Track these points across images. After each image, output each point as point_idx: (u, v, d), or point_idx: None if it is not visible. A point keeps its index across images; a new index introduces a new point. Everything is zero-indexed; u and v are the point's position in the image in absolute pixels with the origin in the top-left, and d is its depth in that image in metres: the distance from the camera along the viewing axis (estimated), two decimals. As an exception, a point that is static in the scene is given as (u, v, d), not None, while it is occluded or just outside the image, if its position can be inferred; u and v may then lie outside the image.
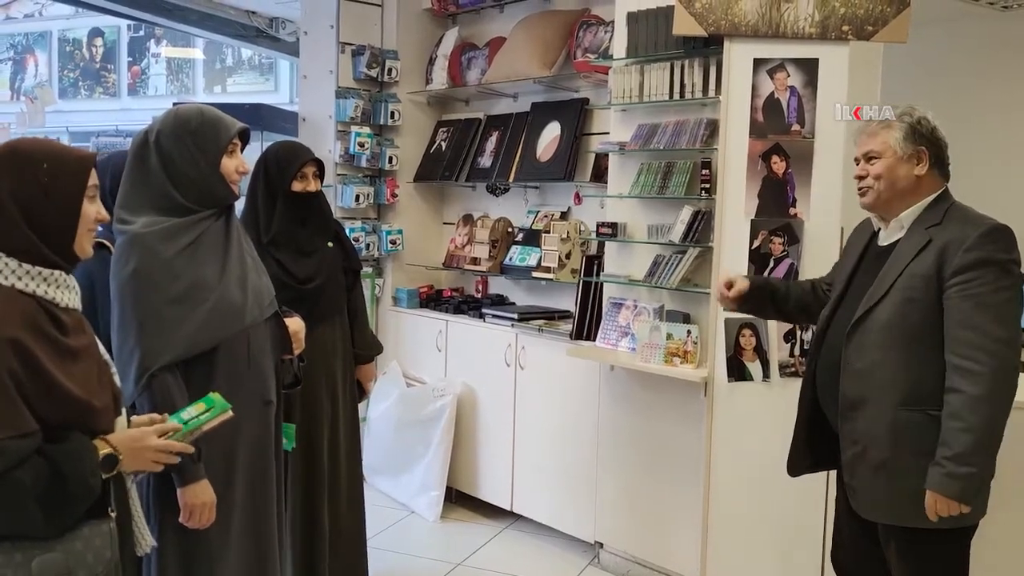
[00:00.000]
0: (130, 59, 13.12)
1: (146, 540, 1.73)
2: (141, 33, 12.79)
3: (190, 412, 1.74)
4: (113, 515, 1.61)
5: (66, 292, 1.59)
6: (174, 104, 2.43)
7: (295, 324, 2.41)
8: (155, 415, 1.74)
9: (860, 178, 2.27)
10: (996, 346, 2.05)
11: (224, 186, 2.17)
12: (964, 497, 2.04)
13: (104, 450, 1.56)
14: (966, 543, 2.19)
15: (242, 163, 2.22)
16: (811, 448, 2.40)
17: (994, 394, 2.04)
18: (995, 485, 2.17)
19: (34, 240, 1.54)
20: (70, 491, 1.49)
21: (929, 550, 2.17)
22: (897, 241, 2.23)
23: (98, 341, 1.68)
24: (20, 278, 1.52)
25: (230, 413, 1.79)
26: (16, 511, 1.45)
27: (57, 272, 1.58)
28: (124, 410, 1.70)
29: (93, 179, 1.62)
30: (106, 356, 1.68)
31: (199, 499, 2.03)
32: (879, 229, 2.32)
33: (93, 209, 1.62)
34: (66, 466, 1.49)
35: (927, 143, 2.21)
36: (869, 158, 2.24)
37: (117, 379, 1.70)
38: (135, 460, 1.62)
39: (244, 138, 2.25)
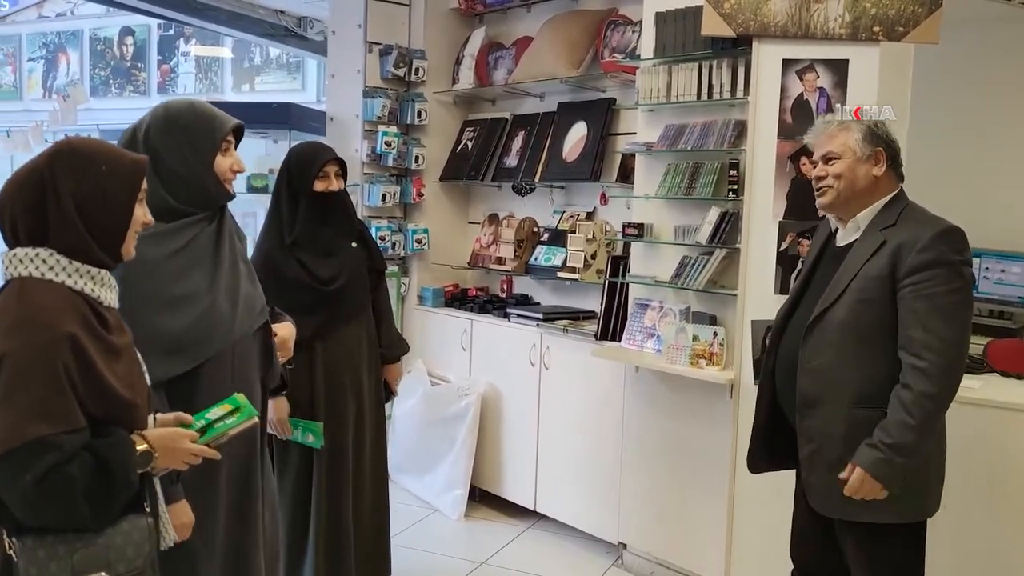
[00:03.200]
0: (160, 58, 13.23)
1: (170, 535, 1.75)
2: (171, 32, 12.89)
3: (216, 413, 1.73)
4: (148, 510, 1.65)
5: (109, 291, 1.63)
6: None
7: (285, 330, 2.30)
8: (182, 415, 1.74)
9: (819, 179, 2.33)
10: (945, 346, 2.11)
11: (218, 185, 2.05)
12: (890, 483, 2.13)
13: (141, 446, 1.59)
14: (921, 537, 2.28)
15: (237, 161, 2.09)
16: (770, 445, 2.46)
17: (940, 393, 2.12)
18: (948, 483, 2.28)
19: (87, 239, 1.58)
20: (114, 485, 1.53)
21: (884, 543, 2.24)
22: (854, 242, 2.29)
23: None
24: (70, 275, 1.57)
25: (256, 419, 1.78)
26: (66, 505, 1.49)
27: (103, 271, 1.62)
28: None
29: (144, 183, 1.66)
30: (139, 355, 1.71)
31: (179, 520, 1.88)
32: (836, 229, 2.38)
33: (141, 212, 1.67)
34: (111, 460, 1.53)
35: (884, 144, 2.28)
36: (828, 159, 2.30)
37: (147, 377, 1.72)
38: (168, 458, 1.65)
39: (238, 135, 2.12)
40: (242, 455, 2.12)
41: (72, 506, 1.49)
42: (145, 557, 1.60)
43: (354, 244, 3.10)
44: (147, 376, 1.72)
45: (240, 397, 1.78)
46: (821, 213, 2.43)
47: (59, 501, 1.48)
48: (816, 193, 2.34)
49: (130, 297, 1.89)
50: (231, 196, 2.11)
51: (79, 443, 1.50)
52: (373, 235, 4.20)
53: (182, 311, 1.97)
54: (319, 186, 2.96)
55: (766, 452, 2.49)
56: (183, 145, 2.02)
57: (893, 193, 2.29)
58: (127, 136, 2.05)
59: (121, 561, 1.55)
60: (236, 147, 2.12)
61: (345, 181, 3.06)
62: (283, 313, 2.37)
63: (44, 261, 1.55)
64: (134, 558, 1.58)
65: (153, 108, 2.09)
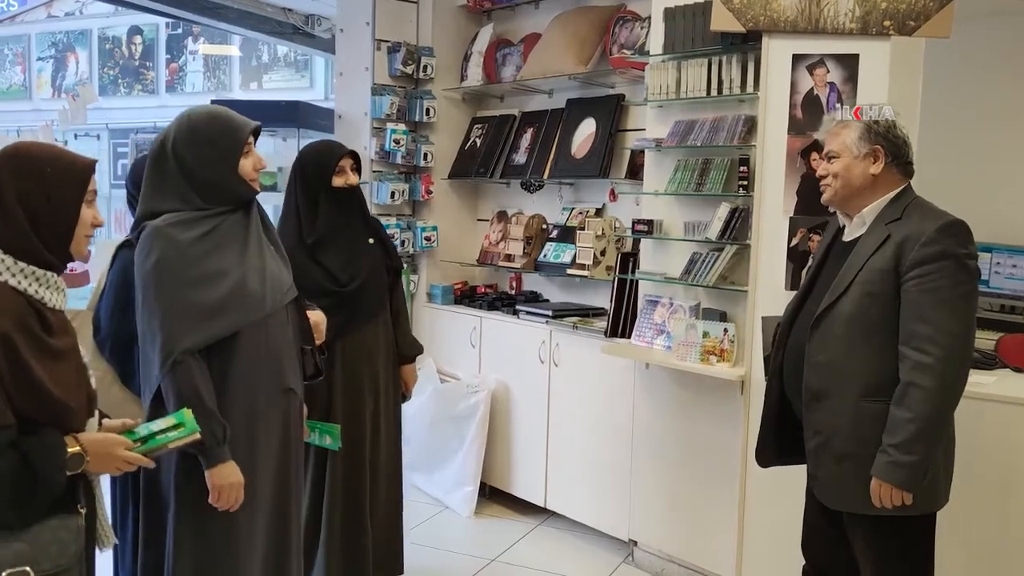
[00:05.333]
0: (168, 56, 13.27)
1: (109, 538, 1.77)
2: (179, 31, 12.93)
3: (160, 425, 1.78)
4: (83, 511, 1.67)
5: (55, 293, 1.65)
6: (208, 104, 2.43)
7: (315, 316, 2.45)
8: (128, 420, 1.78)
9: (822, 177, 2.36)
10: (950, 340, 2.10)
11: (245, 185, 2.22)
12: (908, 484, 2.12)
13: (72, 448, 1.61)
14: (929, 529, 2.27)
15: (258, 159, 2.25)
16: (778, 438, 2.47)
17: (944, 387, 2.11)
18: (957, 474, 2.27)
19: (34, 241, 1.61)
20: (37, 484, 1.55)
21: (893, 537, 2.23)
22: (859, 237, 2.30)
23: (79, 344, 1.73)
24: (15, 275, 1.59)
25: (198, 435, 1.82)
26: None
27: (50, 273, 1.64)
28: (97, 412, 1.75)
29: (93, 184, 1.68)
30: (86, 358, 1.73)
31: (227, 480, 2.08)
32: (843, 225, 2.39)
33: (90, 213, 1.69)
34: (37, 459, 1.54)
35: (883, 141, 2.28)
36: (829, 157, 2.33)
37: (94, 381, 1.75)
38: (101, 463, 1.67)
39: (256, 133, 2.28)
40: (277, 430, 2.25)
41: None
42: (71, 557, 1.62)
43: (371, 240, 3.10)
44: (93, 380, 1.74)
45: (186, 413, 1.82)
46: (832, 209, 2.43)
47: None
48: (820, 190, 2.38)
49: (166, 274, 2.08)
50: (257, 192, 2.26)
51: (4, 440, 1.51)
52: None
53: (214, 285, 2.12)
54: (337, 181, 2.98)
55: (775, 446, 2.49)
56: (208, 154, 2.17)
57: (899, 188, 2.29)
58: (156, 146, 2.20)
59: (45, 559, 1.57)
60: (255, 145, 2.27)
61: (359, 175, 3.07)
62: (312, 303, 2.50)
63: None
64: (58, 556, 1.59)
65: (176, 119, 2.23)
